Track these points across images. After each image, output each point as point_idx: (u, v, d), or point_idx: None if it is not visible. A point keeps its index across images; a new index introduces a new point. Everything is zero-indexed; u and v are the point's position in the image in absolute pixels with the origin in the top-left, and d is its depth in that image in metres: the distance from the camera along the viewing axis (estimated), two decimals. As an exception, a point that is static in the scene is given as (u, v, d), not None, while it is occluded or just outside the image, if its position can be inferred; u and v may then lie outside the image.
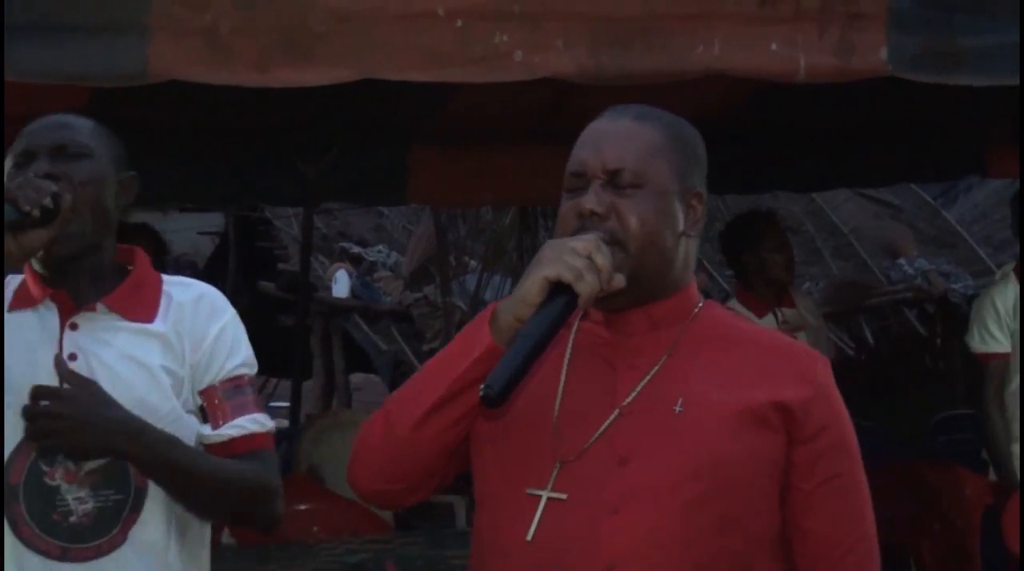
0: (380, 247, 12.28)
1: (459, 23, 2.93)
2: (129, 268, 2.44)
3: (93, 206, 2.34)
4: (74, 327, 2.37)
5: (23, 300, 2.38)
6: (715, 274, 11.50)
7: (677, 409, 1.98)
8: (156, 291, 2.41)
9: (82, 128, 2.39)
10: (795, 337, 5.06)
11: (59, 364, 2.30)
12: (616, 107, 2.06)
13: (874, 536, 2.07)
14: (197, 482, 2.35)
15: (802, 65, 3.09)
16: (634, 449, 1.96)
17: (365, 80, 2.98)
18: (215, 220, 15.13)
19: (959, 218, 12.50)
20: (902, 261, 10.87)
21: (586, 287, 1.90)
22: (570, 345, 2.05)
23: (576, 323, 2.06)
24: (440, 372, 1.99)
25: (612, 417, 1.98)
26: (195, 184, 6.09)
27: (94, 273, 2.39)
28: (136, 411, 2.31)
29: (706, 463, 1.95)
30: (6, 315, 2.34)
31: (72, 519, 2.32)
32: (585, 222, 1.97)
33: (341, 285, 11.09)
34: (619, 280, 1.95)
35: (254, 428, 2.40)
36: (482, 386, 1.88)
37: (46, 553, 2.32)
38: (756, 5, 3.05)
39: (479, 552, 2.05)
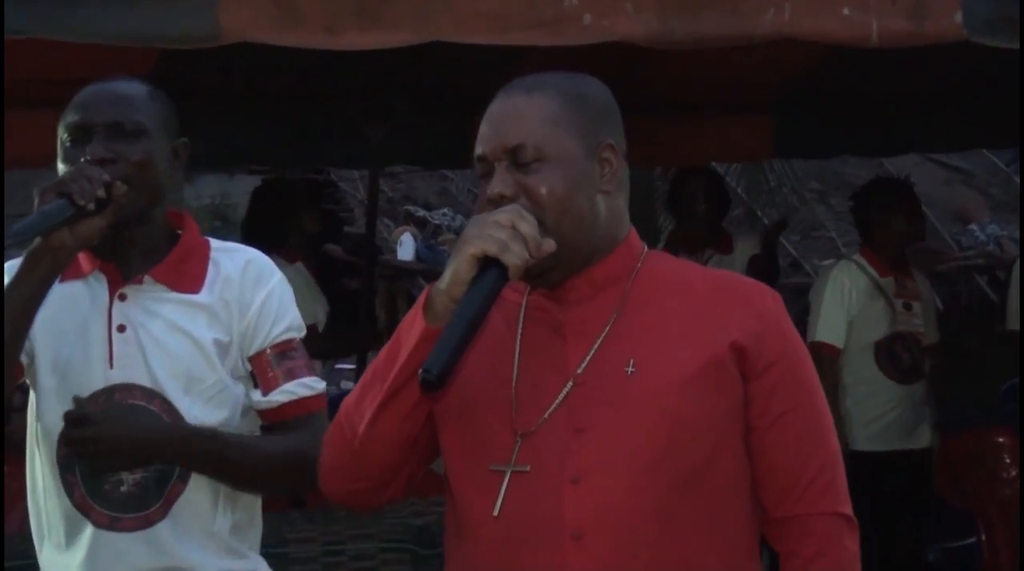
0: (445, 210, 12.28)
1: (527, -15, 2.90)
2: (179, 235, 2.45)
3: (146, 184, 2.35)
4: (123, 298, 2.38)
5: (73, 271, 2.39)
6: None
7: (629, 371, 1.98)
8: (203, 260, 2.43)
9: (138, 101, 2.38)
10: (912, 306, 5.21)
11: (70, 413, 2.33)
12: (510, 83, 2.04)
13: (837, 464, 2.06)
14: (238, 469, 2.38)
15: (874, 29, 3.04)
16: (591, 417, 1.97)
17: (431, 43, 2.96)
18: (282, 182, 15.21)
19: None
20: (973, 227, 10.73)
21: (513, 257, 1.90)
22: (520, 320, 2.05)
23: (524, 298, 2.06)
24: (384, 367, 1.99)
25: (567, 388, 1.99)
26: (261, 146, 6.11)
27: (144, 243, 2.40)
28: (182, 381, 2.35)
29: (662, 422, 1.96)
30: (58, 286, 2.34)
31: (123, 488, 2.36)
32: (498, 207, 1.97)
33: (406, 248, 11.11)
34: (548, 244, 1.94)
35: (304, 392, 2.42)
36: (420, 371, 1.89)
37: (96, 522, 2.36)
38: (828, -32, 3.01)
39: (451, 530, 2.06)
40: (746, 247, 6.07)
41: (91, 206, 2.24)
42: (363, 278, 8.64)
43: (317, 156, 6.83)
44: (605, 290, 2.03)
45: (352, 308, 8.90)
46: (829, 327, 5.24)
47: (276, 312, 2.42)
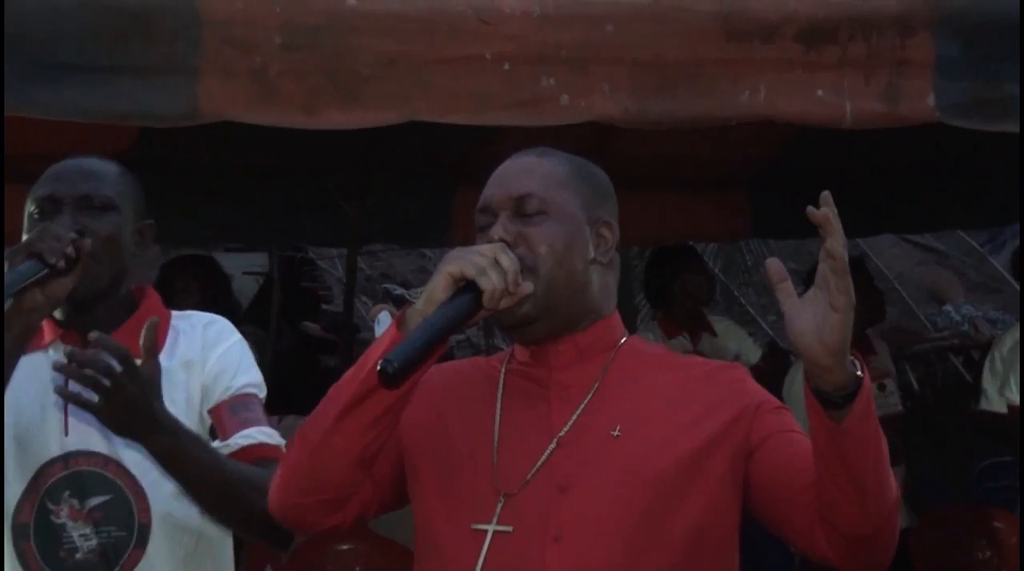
0: (422, 289, 12.31)
1: (506, 66, 2.94)
2: (139, 305, 2.46)
3: (113, 257, 2.37)
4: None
5: (35, 342, 2.40)
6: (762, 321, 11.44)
7: (615, 434, 2.00)
8: (163, 327, 2.43)
9: (107, 178, 2.40)
10: (886, 385, 5.16)
11: (62, 392, 2.29)
12: (521, 151, 2.09)
13: None
14: (208, 478, 2.33)
15: (848, 111, 3.08)
16: (574, 477, 1.98)
17: (411, 122, 2.99)
18: (259, 260, 15.21)
19: (1006, 264, 12.40)
20: (948, 307, 10.78)
21: (489, 283, 1.92)
22: (501, 384, 2.08)
23: (504, 365, 2.09)
24: (351, 375, 1.99)
25: (551, 448, 2.00)
26: (239, 224, 6.13)
27: (106, 314, 2.41)
28: (141, 448, 2.32)
29: (647, 482, 1.97)
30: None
31: (78, 555, 2.34)
32: None
33: (384, 326, 11.09)
34: (526, 286, 1.97)
35: (263, 438, 2.42)
36: (379, 361, 1.88)
37: None
38: (802, 51, 3.05)
39: None
40: (727, 328, 6.02)
41: (61, 264, 2.24)
42: (341, 356, 8.64)
43: (295, 233, 6.85)
44: (590, 358, 2.06)
45: (329, 385, 8.88)
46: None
47: (237, 366, 2.43)
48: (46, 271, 2.24)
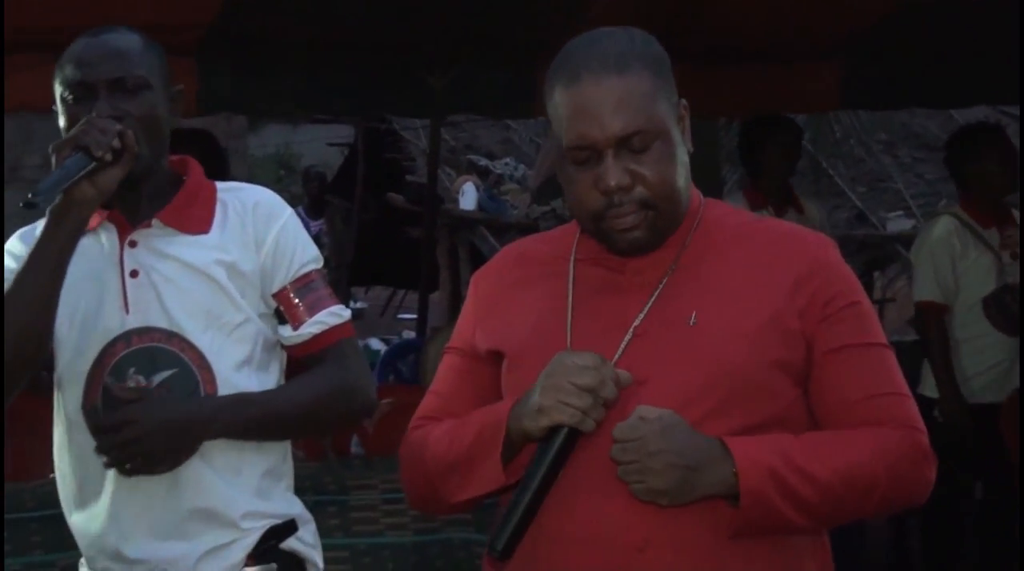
0: (507, 160, 12.26)
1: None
2: (184, 179, 2.45)
3: (153, 136, 2.36)
4: (133, 245, 2.39)
5: None
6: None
7: (691, 323, 1.97)
8: (210, 201, 2.43)
9: (136, 55, 2.36)
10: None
11: (108, 389, 2.34)
12: (590, 62, 1.97)
13: (909, 397, 2.02)
14: (281, 424, 2.40)
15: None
16: (651, 368, 1.95)
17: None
18: (344, 132, 15.24)
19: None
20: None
21: (591, 426, 1.91)
22: (571, 274, 2.05)
23: (573, 254, 2.05)
24: (464, 477, 2.00)
25: (627, 339, 1.98)
26: (324, 96, 6.11)
27: (150, 192, 2.41)
28: (200, 319, 2.36)
29: (721, 374, 1.94)
30: None
31: None
32: (612, 198, 1.95)
33: (468, 197, 11.10)
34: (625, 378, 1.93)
35: (333, 321, 2.44)
36: (487, 548, 1.95)
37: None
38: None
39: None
40: (813, 208, 5.82)
41: (108, 157, 2.24)
42: (425, 227, 8.67)
43: (380, 105, 6.82)
44: (665, 244, 2.02)
45: (414, 256, 8.93)
46: (932, 285, 5.15)
47: (294, 246, 2.43)
48: (93, 164, 2.23)
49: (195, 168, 2.48)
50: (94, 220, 2.38)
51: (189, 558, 2.35)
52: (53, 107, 2.39)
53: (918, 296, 5.21)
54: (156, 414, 2.30)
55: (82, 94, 2.34)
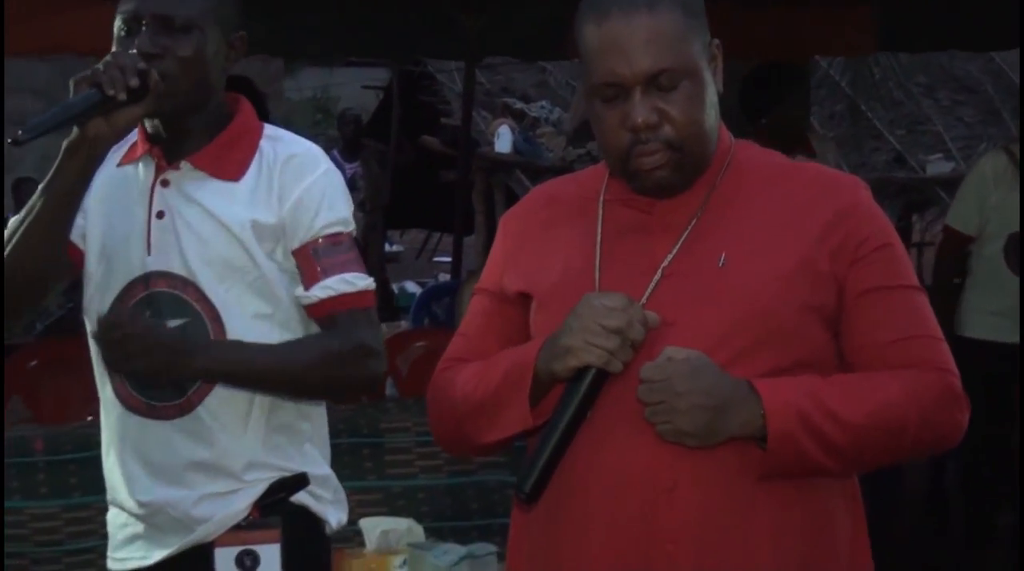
0: (543, 103, 12.21)
1: None
2: (231, 121, 2.40)
3: (193, 77, 2.31)
4: (165, 184, 2.36)
5: (131, 153, 2.39)
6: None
7: (720, 264, 1.95)
8: (250, 147, 2.38)
9: None
10: None
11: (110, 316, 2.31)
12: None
13: (941, 341, 2.00)
14: (267, 379, 2.33)
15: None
16: (679, 310, 1.94)
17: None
18: (379, 74, 15.20)
19: None
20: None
21: (618, 367, 1.90)
22: (600, 215, 2.03)
23: (601, 195, 2.04)
24: (492, 419, 1.99)
25: (655, 280, 1.96)
26: (359, 38, 6.11)
27: (194, 130, 2.36)
28: (216, 269, 2.32)
29: (752, 315, 1.92)
30: (114, 168, 2.36)
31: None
32: (639, 135, 1.93)
33: (504, 140, 11.07)
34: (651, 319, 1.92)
35: (344, 289, 2.34)
36: (515, 490, 1.95)
37: (135, 409, 2.36)
38: None
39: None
40: (825, 149, 5.77)
41: (122, 96, 2.19)
42: (460, 170, 8.66)
43: (414, 48, 6.81)
44: (696, 184, 2.00)
45: (449, 199, 8.92)
46: (960, 213, 5.17)
47: (319, 204, 2.35)
48: (101, 101, 2.19)
49: (244, 109, 2.43)
50: (139, 149, 2.37)
51: (186, 501, 2.35)
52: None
53: (947, 220, 5.24)
54: (144, 323, 2.27)
55: (133, 27, 2.31)
